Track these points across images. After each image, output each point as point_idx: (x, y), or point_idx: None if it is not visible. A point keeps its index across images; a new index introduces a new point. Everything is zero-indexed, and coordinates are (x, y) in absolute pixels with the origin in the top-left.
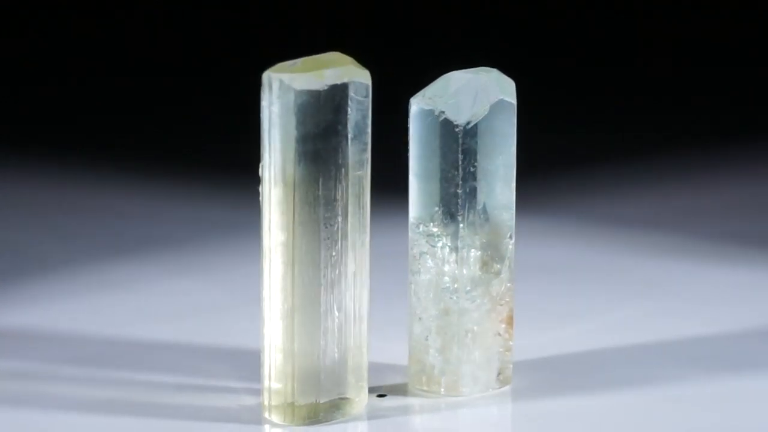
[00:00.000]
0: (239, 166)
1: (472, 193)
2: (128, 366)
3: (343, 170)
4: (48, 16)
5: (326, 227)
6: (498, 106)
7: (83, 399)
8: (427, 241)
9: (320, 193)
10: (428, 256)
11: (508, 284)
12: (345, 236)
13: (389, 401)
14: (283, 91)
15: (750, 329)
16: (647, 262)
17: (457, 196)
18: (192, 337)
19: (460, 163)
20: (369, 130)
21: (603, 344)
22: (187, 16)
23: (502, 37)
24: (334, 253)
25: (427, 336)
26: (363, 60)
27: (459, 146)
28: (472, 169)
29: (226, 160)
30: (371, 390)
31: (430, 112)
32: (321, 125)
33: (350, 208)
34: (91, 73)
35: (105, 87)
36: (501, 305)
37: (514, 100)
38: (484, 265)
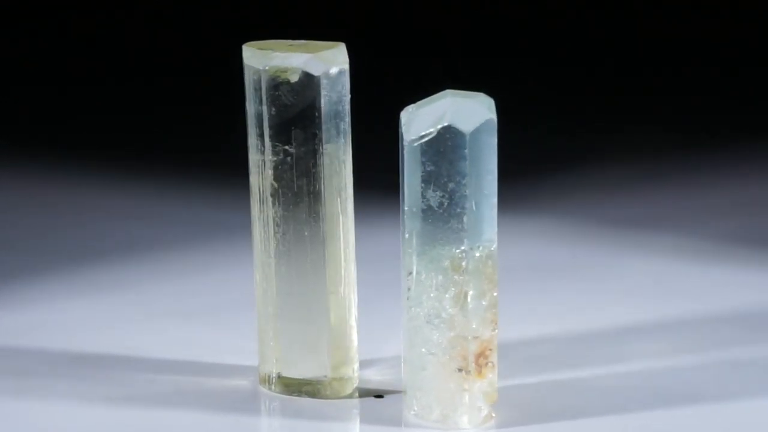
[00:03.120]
0: (240, 167)
1: (421, 216)
2: (126, 365)
3: (288, 156)
4: (48, 16)
5: (286, 211)
6: (448, 132)
7: (82, 398)
8: (407, 255)
9: (271, 173)
10: (406, 271)
11: (478, 321)
12: (302, 222)
13: (375, 401)
14: (244, 63)
15: (751, 331)
16: (646, 262)
17: (404, 214)
18: (192, 336)
19: (404, 180)
20: (340, 121)
21: (600, 346)
22: (187, 16)
23: (503, 37)
24: (286, 238)
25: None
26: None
27: (403, 163)
28: (420, 189)
29: (226, 161)
30: (373, 390)
31: (401, 122)
32: (273, 104)
33: (310, 193)
34: (90, 74)
35: (104, 87)
36: (468, 341)
37: (467, 129)
38: (461, 297)
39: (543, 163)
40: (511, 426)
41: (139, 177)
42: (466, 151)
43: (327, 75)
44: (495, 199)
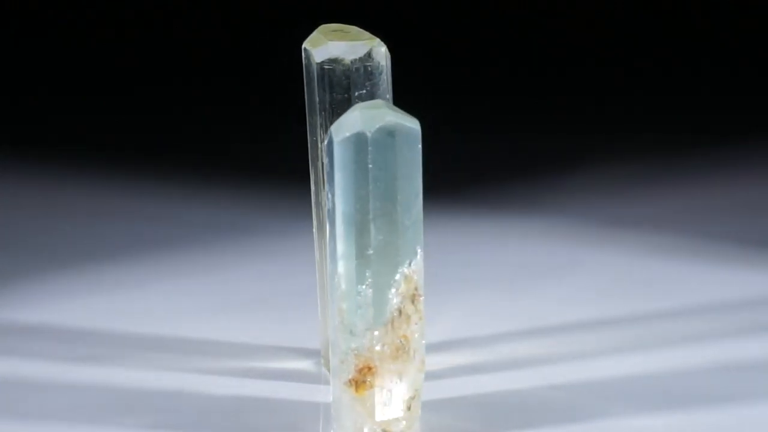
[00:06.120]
0: (239, 167)
1: (328, 217)
2: (134, 364)
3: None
4: (55, 16)
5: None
6: (330, 138)
7: (82, 397)
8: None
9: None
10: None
11: (357, 340)
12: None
13: None
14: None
15: (750, 331)
16: (645, 263)
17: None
18: (195, 336)
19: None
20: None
21: (598, 347)
22: (188, 16)
23: (504, 36)
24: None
25: None
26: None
27: None
28: (326, 188)
29: (226, 161)
30: None
31: None
32: (317, 92)
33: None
34: (92, 74)
35: (107, 87)
36: (348, 354)
37: (336, 139)
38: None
39: (540, 163)
40: None
41: (139, 177)
42: (334, 159)
43: (332, 65)
44: (361, 221)
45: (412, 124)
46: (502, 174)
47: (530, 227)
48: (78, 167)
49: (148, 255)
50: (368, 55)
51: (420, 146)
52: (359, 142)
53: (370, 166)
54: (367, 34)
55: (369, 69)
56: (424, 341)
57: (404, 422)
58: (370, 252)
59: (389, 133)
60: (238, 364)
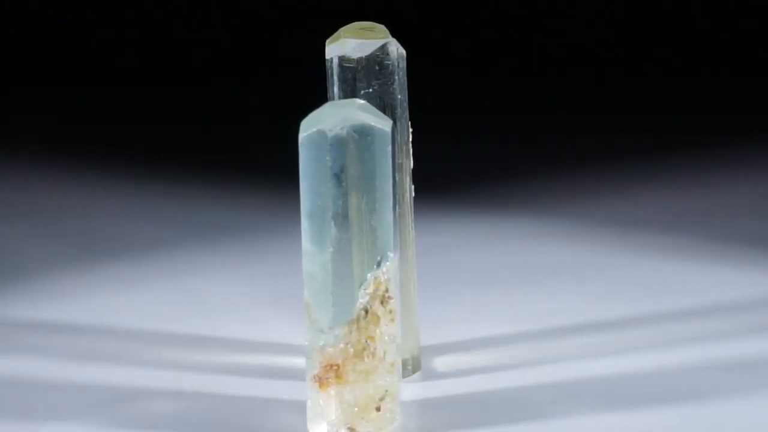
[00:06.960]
0: (239, 167)
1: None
2: (133, 363)
3: None
4: (55, 16)
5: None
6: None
7: (81, 395)
8: None
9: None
10: None
11: (323, 342)
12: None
13: None
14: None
15: (750, 331)
16: (644, 263)
17: None
18: (195, 335)
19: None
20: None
21: (598, 347)
22: (189, 16)
23: (506, 37)
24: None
25: None
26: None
27: None
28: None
29: (226, 161)
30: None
31: None
32: (330, 88)
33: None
34: (92, 74)
35: (106, 87)
36: (315, 350)
37: (302, 135)
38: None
39: (540, 163)
40: None
41: (139, 177)
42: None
43: (349, 62)
44: (313, 221)
45: (381, 126)
46: (501, 174)
47: (529, 227)
48: (78, 167)
49: (147, 254)
50: (378, 54)
51: (389, 148)
52: (319, 139)
53: (330, 164)
54: (385, 32)
55: (378, 68)
56: (395, 343)
57: (372, 423)
58: (331, 250)
59: (356, 132)
60: (239, 364)
